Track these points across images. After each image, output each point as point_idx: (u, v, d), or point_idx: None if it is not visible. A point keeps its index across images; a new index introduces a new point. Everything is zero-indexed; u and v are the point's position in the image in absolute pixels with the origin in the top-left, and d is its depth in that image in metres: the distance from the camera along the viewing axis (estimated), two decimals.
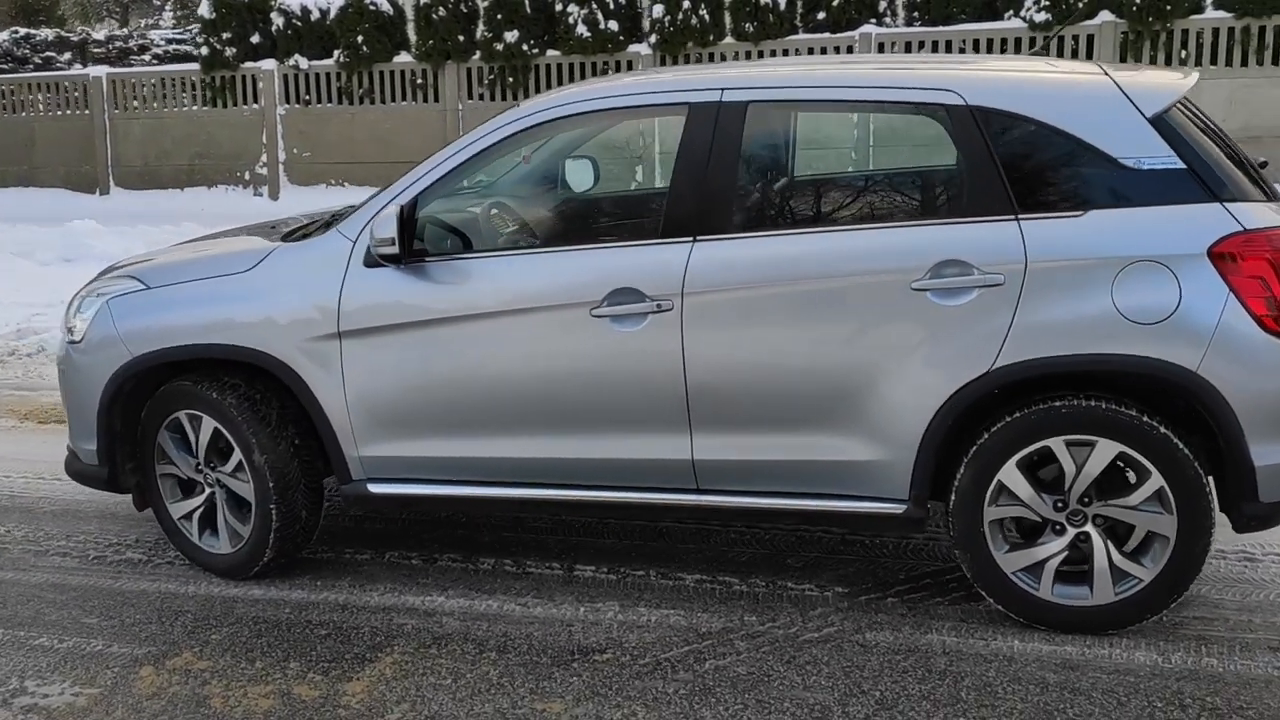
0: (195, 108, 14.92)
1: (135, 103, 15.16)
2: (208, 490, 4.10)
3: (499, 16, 13.07)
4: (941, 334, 3.39)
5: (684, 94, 3.66)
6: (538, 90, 13.16)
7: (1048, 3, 11.55)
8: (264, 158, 14.56)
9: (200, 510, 4.12)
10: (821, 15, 12.34)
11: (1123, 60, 11.57)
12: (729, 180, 3.57)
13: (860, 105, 3.66)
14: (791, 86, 3.64)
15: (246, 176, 14.71)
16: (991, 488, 3.44)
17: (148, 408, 4.10)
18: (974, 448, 3.43)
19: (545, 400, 3.71)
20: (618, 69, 12.82)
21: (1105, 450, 3.33)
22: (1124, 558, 3.41)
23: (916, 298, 3.40)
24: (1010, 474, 3.42)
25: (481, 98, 13.52)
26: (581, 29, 12.75)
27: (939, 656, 3.42)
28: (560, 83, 13.07)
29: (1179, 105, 3.44)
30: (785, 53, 12.34)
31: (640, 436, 3.68)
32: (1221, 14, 11.37)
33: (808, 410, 3.53)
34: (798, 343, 3.50)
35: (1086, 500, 3.40)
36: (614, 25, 12.69)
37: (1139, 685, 3.22)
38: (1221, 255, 3.23)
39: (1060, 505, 3.42)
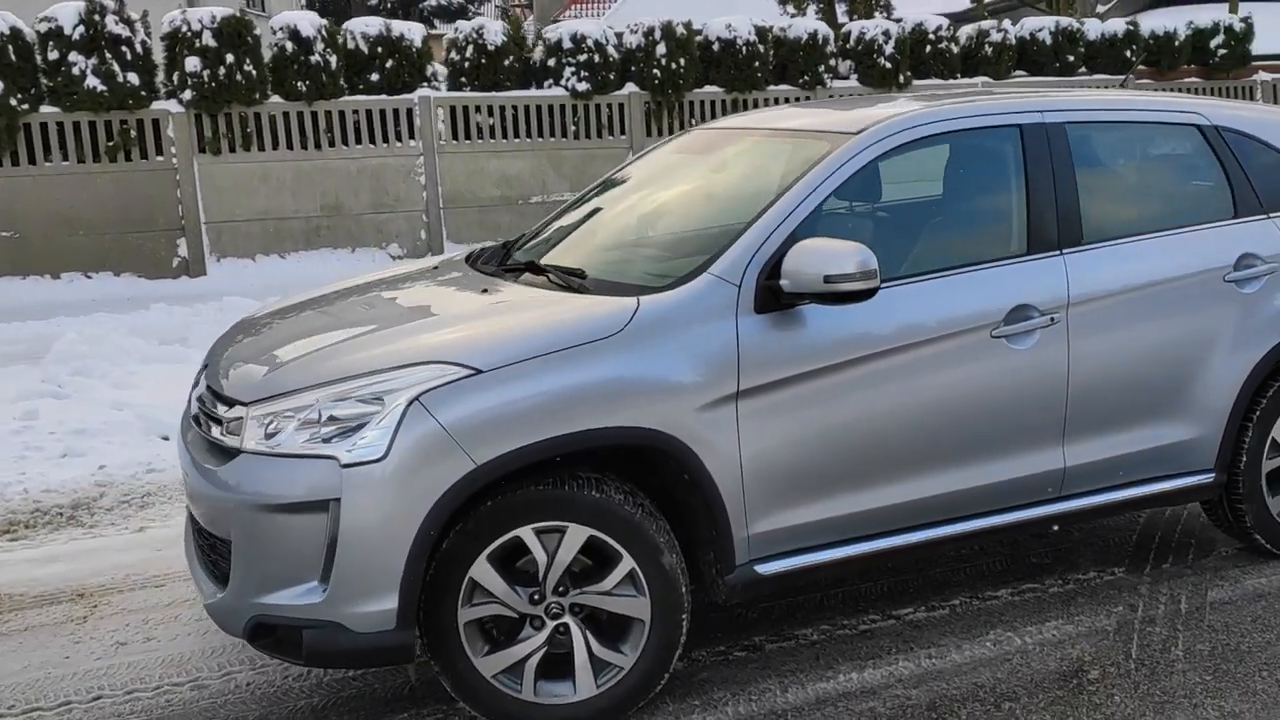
0: None
1: None
2: (550, 624, 3.14)
3: None
4: (1244, 317, 3.97)
5: (1014, 116, 3.78)
6: (20, 156, 10.75)
7: (586, 74, 12.47)
8: None
9: (541, 653, 3.14)
10: (375, 77, 11.91)
11: (648, 125, 12.94)
12: (1072, 194, 3.77)
13: (1141, 125, 4.08)
14: (1092, 109, 3.95)
15: None
16: (1269, 445, 4.08)
17: (460, 534, 3.03)
18: (1258, 412, 4.05)
19: (948, 432, 3.54)
20: (139, 127, 11.02)
21: None
22: None
23: (1228, 288, 3.94)
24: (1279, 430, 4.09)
25: None
26: (93, 81, 10.76)
27: None
28: (63, 147, 10.87)
29: None
30: (341, 114, 11.69)
31: (1021, 454, 3.69)
32: (716, 89, 13.27)
33: (1152, 402, 3.87)
34: (1149, 340, 3.83)
35: None
36: (134, 78, 10.91)
37: None
38: None
39: None
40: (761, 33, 13.22)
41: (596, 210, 4.35)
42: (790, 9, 23.82)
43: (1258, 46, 16.59)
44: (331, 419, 2.97)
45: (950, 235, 3.79)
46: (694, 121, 13.21)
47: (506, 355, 3.05)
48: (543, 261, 3.81)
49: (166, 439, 6.15)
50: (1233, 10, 19.89)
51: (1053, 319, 3.63)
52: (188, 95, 11.10)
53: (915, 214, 3.99)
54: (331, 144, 11.76)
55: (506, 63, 12.42)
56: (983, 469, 3.63)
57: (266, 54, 11.55)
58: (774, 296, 3.29)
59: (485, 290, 3.58)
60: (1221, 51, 16.18)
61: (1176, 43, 15.94)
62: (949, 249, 3.69)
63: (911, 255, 3.61)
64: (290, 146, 11.60)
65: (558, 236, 4.20)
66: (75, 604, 4.21)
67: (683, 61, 12.76)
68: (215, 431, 3.26)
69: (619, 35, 12.76)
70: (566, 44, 12.42)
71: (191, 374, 7.28)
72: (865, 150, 3.54)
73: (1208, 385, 3.94)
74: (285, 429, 3.01)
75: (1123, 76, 15.30)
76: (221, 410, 3.28)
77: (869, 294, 3.21)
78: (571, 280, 3.51)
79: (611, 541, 3.11)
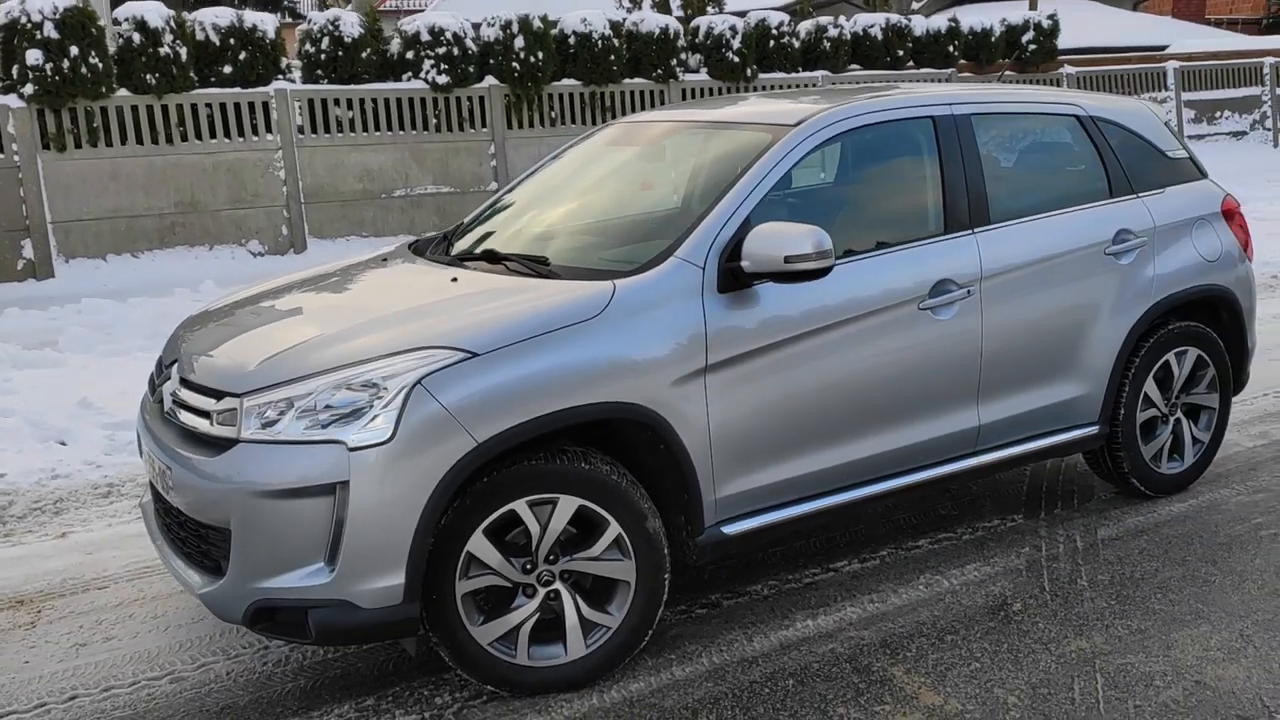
0: None
1: None
2: (542, 591, 3.34)
3: None
4: (1122, 286, 4.47)
5: (928, 108, 4.15)
6: None
7: (446, 67, 12.49)
8: None
9: (534, 619, 3.34)
10: (228, 69, 11.61)
11: (509, 118, 13.06)
12: (979, 178, 4.17)
13: (1031, 116, 4.52)
14: (991, 102, 4.36)
15: None
16: (1141, 399, 4.62)
17: (458, 510, 3.20)
18: (1133, 370, 4.57)
19: (885, 396, 3.89)
20: None
21: (1193, 354, 4.73)
22: (1199, 430, 4.84)
23: (1109, 260, 4.43)
24: (1150, 386, 4.64)
25: None
26: None
27: (1182, 522, 4.52)
28: None
29: None
30: (193, 107, 11.36)
31: (944, 415, 4.08)
32: (573, 82, 13.48)
33: (1049, 363, 4.33)
34: (1047, 307, 4.28)
35: (1181, 394, 4.76)
36: None
37: (1238, 512, 4.70)
38: (1227, 212, 4.85)
39: (1166, 399, 4.73)
40: (615, 27, 13.50)
41: (531, 203, 4.54)
42: (626, 2, 24.17)
43: (1062, 42, 17.92)
44: (329, 406, 3.08)
45: (879, 217, 4.14)
46: (554, 114, 13.40)
47: (499, 338, 3.22)
48: (499, 250, 3.97)
49: (64, 444, 5.99)
50: (1032, 7, 21.37)
51: (969, 291, 4.03)
52: (29, 90, 10.59)
53: (846, 198, 4.32)
54: (185, 138, 11.42)
55: (364, 55, 12.31)
56: (914, 429, 4.00)
57: (111, 46, 11.12)
58: (733, 277, 3.56)
59: (455, 279, 3.72)
60: (1032, 47, 17.39)
61: (993, 38, 17.06)
62: (879, 230, 4.03)
63: (847, 236, 3.92)
64: (141, 141, 11.21)
65: (498, 227, 4.37)
66: (17, 610, 4.14)
67: (541, 55, 12.91)
68: (201, 423, 3.30)
69: (476, 28, 12.81)
70: (425, 36, 12.40)
71: (70, 378, 7.20)
72: (807, 140, 3.86)
73: (1094, 347, 4.43)
74: (284, 417, 3.10)
75: (948, 71, 16.31)
76: (203, 401, 3.33)
77: (824, 272, 3.52)
78: (539, 267, 3.70)
79: (600, 510, 3.32)
